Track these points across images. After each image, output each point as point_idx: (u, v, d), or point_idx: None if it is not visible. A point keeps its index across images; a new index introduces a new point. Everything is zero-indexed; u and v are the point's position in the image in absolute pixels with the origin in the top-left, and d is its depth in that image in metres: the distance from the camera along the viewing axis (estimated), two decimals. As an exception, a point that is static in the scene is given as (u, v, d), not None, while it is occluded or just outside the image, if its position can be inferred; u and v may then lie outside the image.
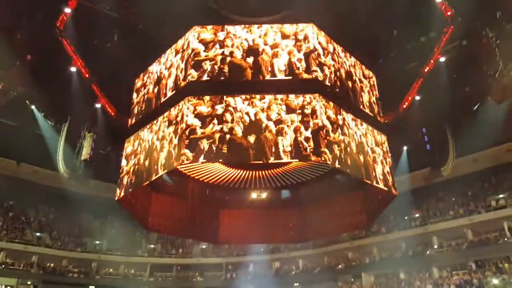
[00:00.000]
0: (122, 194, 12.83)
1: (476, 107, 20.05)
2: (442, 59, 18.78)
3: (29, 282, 29.45)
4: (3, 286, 28.18)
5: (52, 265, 30.74)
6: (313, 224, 16.23)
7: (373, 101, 13.50)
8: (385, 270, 28.35)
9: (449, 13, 16.63)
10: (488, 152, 25.27)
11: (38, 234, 31.29)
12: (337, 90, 11.50)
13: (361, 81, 13.21)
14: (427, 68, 18.55)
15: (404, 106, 17.31)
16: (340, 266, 30.56)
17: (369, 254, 29.57)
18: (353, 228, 19.71)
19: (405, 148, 20.79)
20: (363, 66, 13.65)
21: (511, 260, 22.80)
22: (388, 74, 17.17)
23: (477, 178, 25.87)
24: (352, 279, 29.37)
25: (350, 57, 13.26)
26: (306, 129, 10.08)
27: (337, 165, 10.31)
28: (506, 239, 23.12)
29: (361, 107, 12.59)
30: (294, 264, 33.29)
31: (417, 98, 19.18)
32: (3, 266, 28.30)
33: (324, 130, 10.14)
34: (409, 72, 19.90)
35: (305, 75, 10.82)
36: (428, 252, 26.51)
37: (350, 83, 12.48)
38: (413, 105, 18.93)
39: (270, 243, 26.89)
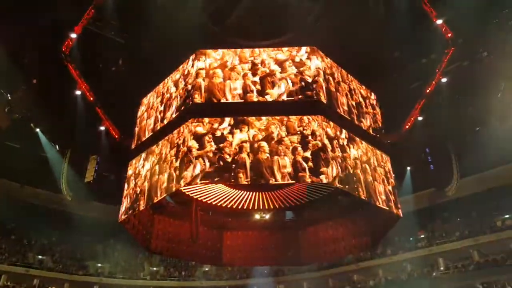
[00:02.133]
0: (125, 216, 12.79)
1: (478, 128, 20.09)
2: (444, 80, 18.96)
3: (30, 306, 29.03)
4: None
5: (53, 288, 30.35)
6: (317, 246, 16.04)
7: (376, 122, 13.56)
8: (391, 293, 27.81)
9: (449, 35, 16.91)
10: (493, 172, 25.11)
11: (39, 257, 31.01)
12: (338, 111, 11.57)
13: (363, 102, 13.31)
14: (429, 89, 18.72)
15: (407, 126, 17.37)
16: (345, 289, 30.02)
17: (374, 276, 29.06)
18: (358, 250, 19.42)
19: (408, 168, 20.73)
20: (364, 87, 13.78)
21: (520, 282, 22.34)
22: (390, 95, 17.31)
23: (482, 199, 25.63)
24: (358, 302, 28.81)
25: (352, 80, 13.39)
26: (306, 149, 10.08)
27: (339, 185, 10.26)
28: (513, 260, 22.74)
29: (363, 127, 12.63)
30: (298, 287, 32.72)
31: (420, 118, 19.27)
32: (3, 290, 27.98)
33: (325, 151, 10.13)
34: (411, 93, 20.06)
35: (304, 97, 10.91)
36: (434, 274, 26.07)
37: (352, 104, 12.56)
38: (416, 126, 19.00)
39: (274, 265, 26.48)
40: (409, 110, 19.00)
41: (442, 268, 26.17)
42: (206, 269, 34.01)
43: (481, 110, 20.29)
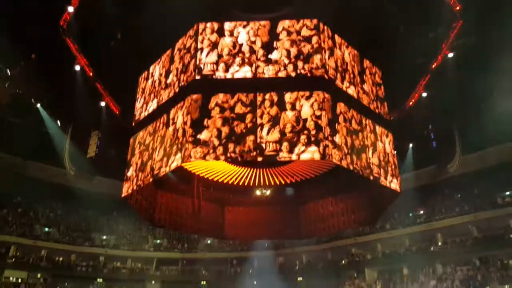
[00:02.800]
0: (128, 191, 12.94)
1: (484, 103, 19.84)
2: (450, 54, 18.56)
3: (39, 275, 29.97)
4: (15, 279, 28.71)
5: (61, 259, 31.20)
6: (317, 221, 16.26)
7: (379, 98, 13.41)
8: (388, 266, 28.39)
9: (457, 8, 16.43)
10: (495, 149, 25.04)
11: (46, 229, 31.73)
12: (342, 87, 11.43)
13: (367, 78, 13.11)
14: (435, 64, 18.36)
15: (411, 103, 17.14)
16: (343, 262, 30.67)
17: (372, 250, 29.61)
18: (357, 225, 19.73)
19: (411, 145, 20.61)
20: (369, 62, 13.53)
21: (516, 257, 22.70)
22: (395, 71, 17.00)
23: (484, 176, 25.67)
24: (355, 275, 29.47)
25: (356, 53, 13.12)
26: (310, 126, 10.04)
27: (341, 162, 10.28)
28: (511, 236, 23.00)
29: (367, 104, 12.51)
30: (298, 259, 33.47)
31: (424, 94, 18.98)
32: (13, 260, 28.79)
33: (328, 127, 10.08)
34: (416, 69, 19.67)
35: (309, 72, 10.75)
36: (432, 248, 26.49)
37: (356, 80, 12.39)
38: (420, 102, 18.72)
39: (274, 239, 26.98)
40: (414, 86, 18.69)
41: (440, 243, 26.54)
42: (208, 242, 34.73)
43: (486, 86, 19.99)
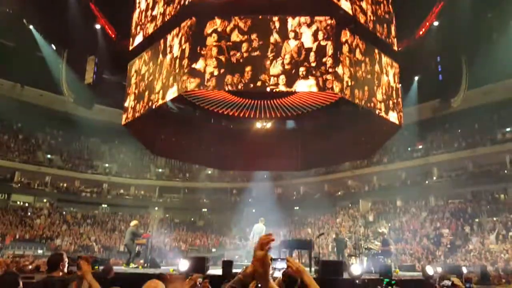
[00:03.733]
0: (128, 119, 12.85)
1: (496, 35, 18.93)
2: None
3: (45, 200, 31.20)
4: (22, 203, 29.94)
5: (65, 185, 32.25)
6: (316, 154, 16.36)
7: (387, 26, 12.73)
8: (382, 198, 29.44)
9: None
10: (500, 84, 24.53)
11: (49, 156, 32.32)
12: (349, 12, 10.75)
13: (374, 5, 12.33)
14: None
15: (421, 32, 16.21)
16: (339, 193, 31.74)
17: (368, 183, 30.48)
18: (356, 158, 20.03)
19: (416, 78, 20.04)
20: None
21: (507, 191, 23.40)
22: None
23: (487, 111, 25.49)
24: (350, 205, 30.66)
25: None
26: (311, 57, 9.63)
27: (343, 94, 10.03)
28: (506, 171, 23.46)
29: (373, 32, 11.89)
30: (295, 190, 34.61)
31: (436, 23, 17.93)
32: (19, 185, 29.74)
33: (330, 58, 9.67)
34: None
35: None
36: (427, 182, 27.19)
37: (363, 6, 11.64)
38: (430, 32, 17.76)
39: (273, 171, 27.57)
40: (425, 15, 17.59)
41: (435, 177, 27.21)
42: (209, 172, 35.58)
43: (500, 18, 18.95)
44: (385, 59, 12.34)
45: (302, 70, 9.49)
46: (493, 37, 19.12)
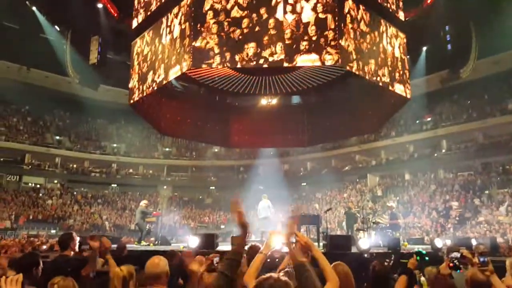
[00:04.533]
0: (133, 99, 12.85)
1: (506, 3, 18.28)
2: None
3: (55, 181, 31.74)
4: (33, 185, 30.53)
5: (75, 166, 32.70)
6: (322, 129, 16.26)
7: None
8: (390, 172, 29.37)
9: None
10: (510, 54, 23.88)
11: (57, 137, 32.64)
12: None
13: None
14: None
15: (429, 1, 15.68)
16: (346, 168, 31.71)
17: (376, 157, 30.36)
18: (363, 132, 19.86)
19: (424, 48, 19.52)
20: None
21: (518, 162, 23.14)
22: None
23: (497, 81, 24.93)
24: (358, 180, 30.69)
25: None
26: (311, 31, 9.39)
27: (349, 67, 9.85)
28: (516, 142, 23.10)
29: (379, 1, 11.52)
30: (302, 166, 34.68)
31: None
32: (30, 167, 30.22)
33: (336, 29, 9.42)
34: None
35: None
36: (435, 154, 26.98)
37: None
38: (438, 0, 17.15)
39: (280, 147, 27.57)
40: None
41: (444, 150, 26.96)
42: (216, 150, 35.73)
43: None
44: (391, 30, 12.02)
45: (304, 44, 9.27)
46: (502, 5, 18.47)
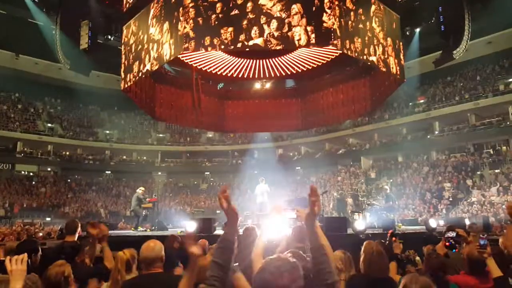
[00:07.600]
0: (126, 85, 12.67)
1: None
2: None
3: (49, 169, 31.55)
4: (26, 173, 30.31)
5: (68, 153, 32.47)
6: (317, 112, 16.26)
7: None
8: (383, 155, 29.60)
9: None
10: (504, 33, 23.87)
11: (49, 125, 32.29)
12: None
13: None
14: None
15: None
16: (340, 151, 31.90)
17: (369, 140, 30.54)
18: (357, 115, 19.87)
19: (417, 30, 19.37)
20: None
21: (510, 143, 23.42)
22: None
23: (489, 61, 24.96)
24: (351, 163, 30.92)
25: None
26: (307, 9, 9.23)
27: (342, 49, 9.74)
28: (508, 122, 23.33)
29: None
30: (296, 150, 34.83)
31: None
32: (22, 155, 29.95)
33: (328, 10, 9.26)
34: None
35: None
36: (428, 136, 27.20)
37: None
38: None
39: (274, 131, 27.59)
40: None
41: (436, 132, 27.17)
42: (210, 135, 35.67)
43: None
44: (383, 10, 11.88)
45: (285, 25, 9.08)
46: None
